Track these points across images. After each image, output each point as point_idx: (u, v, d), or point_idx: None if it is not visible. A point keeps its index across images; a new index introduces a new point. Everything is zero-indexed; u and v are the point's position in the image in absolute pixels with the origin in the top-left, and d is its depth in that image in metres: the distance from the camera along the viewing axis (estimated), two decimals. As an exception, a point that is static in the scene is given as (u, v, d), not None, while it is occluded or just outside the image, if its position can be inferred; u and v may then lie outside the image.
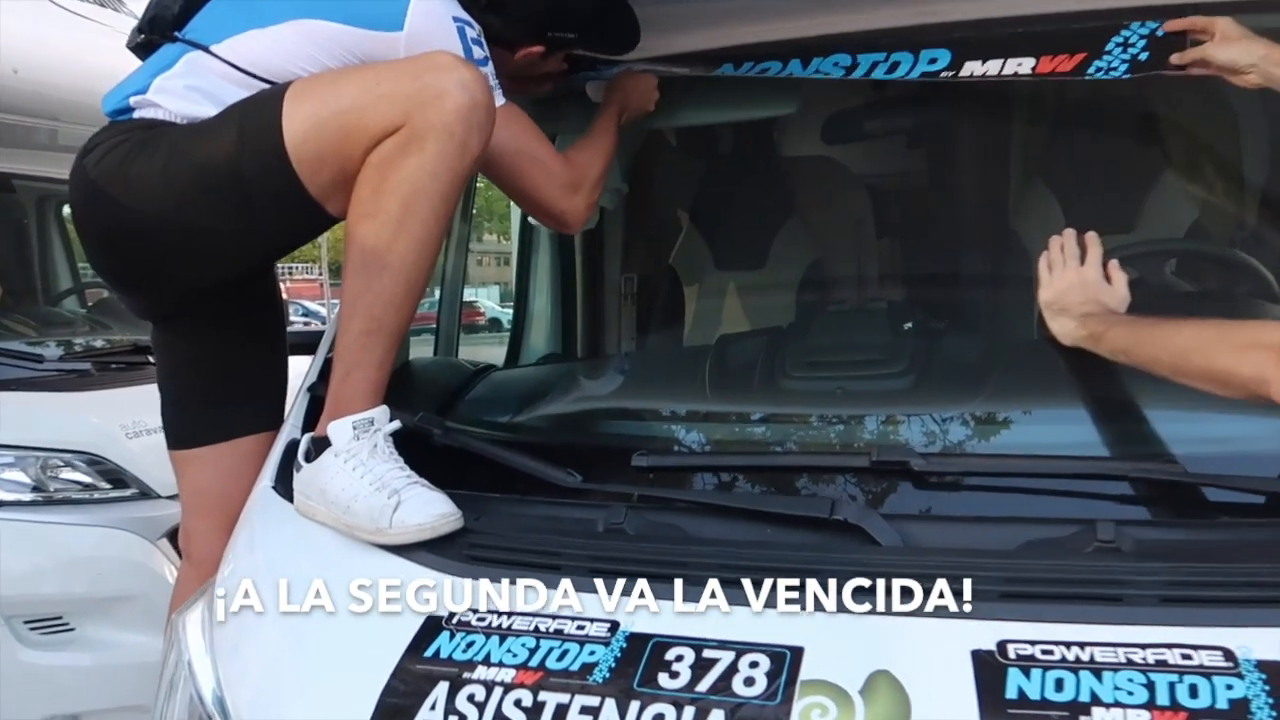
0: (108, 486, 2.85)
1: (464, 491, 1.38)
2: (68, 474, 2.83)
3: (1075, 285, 1.41)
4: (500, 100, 1.40)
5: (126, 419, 2.90)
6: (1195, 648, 0.93)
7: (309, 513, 1.32)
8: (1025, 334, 1.86)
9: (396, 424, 1.32)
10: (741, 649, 1.01)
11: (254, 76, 1.39)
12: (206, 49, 1.42)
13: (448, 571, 1.19)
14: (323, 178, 1.29)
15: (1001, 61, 1.63)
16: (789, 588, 1.07)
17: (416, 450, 1.41)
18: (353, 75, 1.32)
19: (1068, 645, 0.96)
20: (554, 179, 1.55)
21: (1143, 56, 1.54)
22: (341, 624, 1.16)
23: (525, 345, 2.65)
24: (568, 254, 2.74)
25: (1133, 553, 1.07)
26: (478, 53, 1.42)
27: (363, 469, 1.26)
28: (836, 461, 1.30)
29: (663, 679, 0.99)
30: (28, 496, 2.88)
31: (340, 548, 1.28)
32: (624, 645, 1.04)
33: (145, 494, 2.86)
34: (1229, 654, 0.91)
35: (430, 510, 1.23)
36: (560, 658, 1.04)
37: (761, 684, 0.96)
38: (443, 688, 1.03)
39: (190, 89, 1.39)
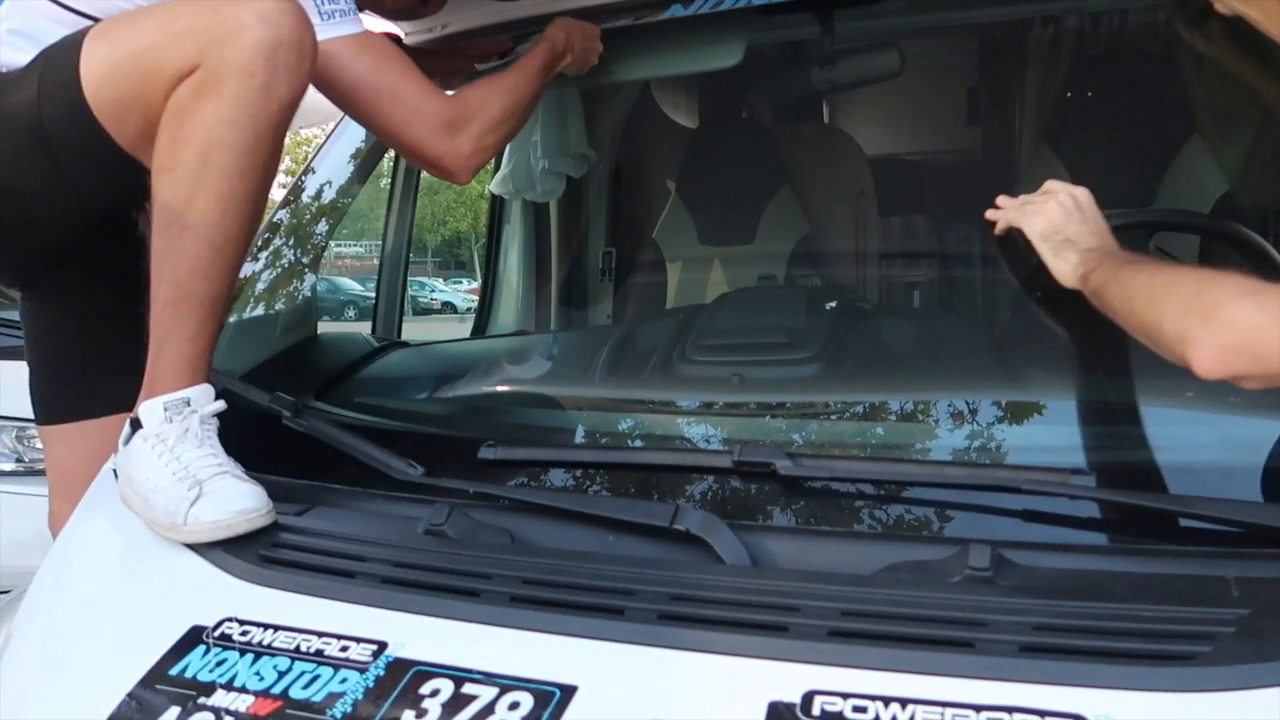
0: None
1: (307, 481, 1.26)
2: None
3: (1073, 211, 1.18)
4: (350, 28, 1.26)
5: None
6: (1044, 714, 0.74)
7: (128, 502, 1.20)
8: (1017, 317, 1.65)
9: (219, 405, 1.19)
10: (507, 685, 0.85)
11: (82, 15, 1.26)
12: None
13: (236, 574, 1.06)
14: (129, 127, 1.16)
15: None
16: (587, 610, 0.91)
17: (277, 431, 1.30)
18: (154, 11, 1.18)
19: (886, 701, 0.77)
20: (423, 118, 1.35)
21: None
22: (108, 628, 1.04)
23: (493, 323, 2.51)
24: (543, 226, 2.59)
25: (1007, 585, 0.88)
26: None
27: (169, 455, 1.13)
28: (694, 460, 1.12)
29: (406, 717, 0.83)
30: (9, 466, 2.89)
31: (149, 542, 1.16)
32: (381, 673, 0.89)
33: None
34: (1081, 723, 0.72)
35: (230, 506, 1.09)
36: (307, 685, 0.89)
37: (515, 729, 0.81)
38: (172, 714, 0.89)
39: (12, 33, 1.26)
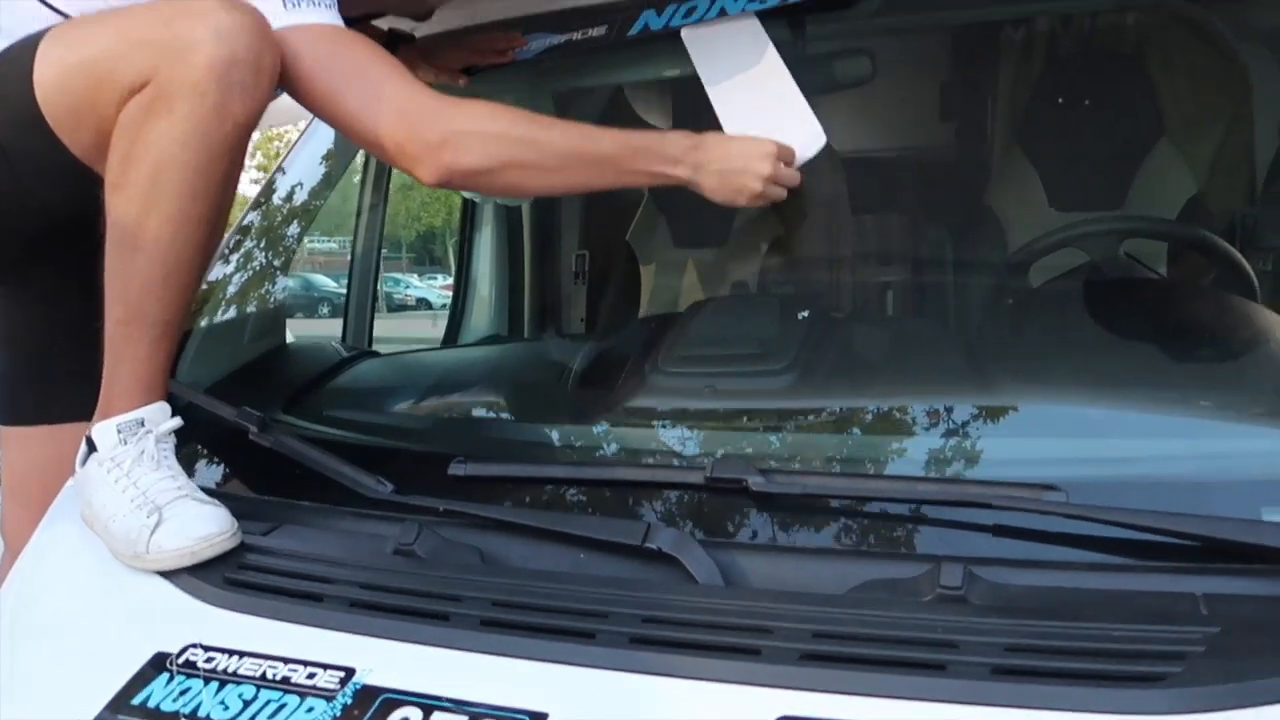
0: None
1: (274, 498, 1.25)
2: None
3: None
4: (314, 17, 1.19)
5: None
6: (1016, 739, 0.74)
7: (89, 523, 1.18)
8: (993, 321, 1.65)
9: (175, 422, 1.17)
10: (477, 713, 0.84)
11: (63, 13, 1.22)
12: None
13: (201, 598, 1.04)
14: (83, 136, 1.13)
15: None
16: (558, 633, 0.90)
17: (244, 447, 1.28)
18: (113, 17, 1.14)
19: (859, 728, 0.77)
20: (385, 101, 1.19)
21: None
22: (69, 654, 1.03)
23: (465, 327, 2.49)
24: (515, 229, 2.57)
25: (979, 604, 0.87)
26: None
27: (125, 480, 1.11)
28: (666, 477, 1.11)
29: (373, 748, 0.82)
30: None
31: (111, 563, 1.13)
32: (349, 701, 0.88)
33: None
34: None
35: (192, 532, 1.07)
36: (273, 714, 0.88)
37: (485, 759, 0.80)
38: (133, 745, 0.87)
39: None
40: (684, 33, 1.54)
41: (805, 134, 1.38)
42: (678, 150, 1.29)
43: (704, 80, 1.50)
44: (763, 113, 1.42)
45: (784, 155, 1.34)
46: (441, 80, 1.71)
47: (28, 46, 1.14)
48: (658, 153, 1.28)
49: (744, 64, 1.46)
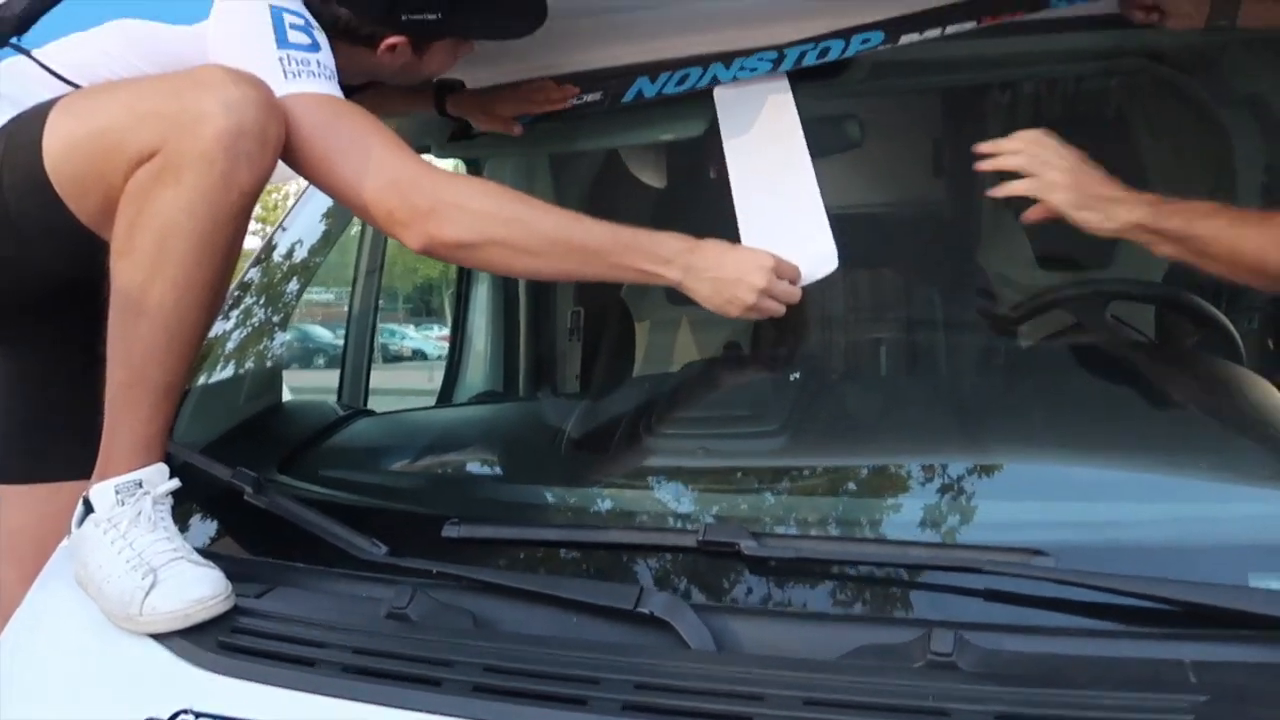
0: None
1: (269, 559, 1.25)
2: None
3: (1072, 166, 1.23)
4: (312, 87, 1.22)
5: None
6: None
7: (83, 585, 1.18)
8: (985, 380, 1.67)
9: (172, 484, 1.18)
10: (468, 781, 0.84)
11: (70, 83, 1.26)
12: (28, 53, 1.31)
13: (194, 662, 1.04)
14: (89, 204, 1.15)
15: (940, 29, 1.47)
16: (550, 700, 0.90)
17: (239, 507, 1.28)
18: (120, 89, 1.18)
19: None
20: (379, 170, 1.22)
21: None
22: (62, 719, 1.02)
23: (461, 382, 2.50)
24: (511, 283, 2.59)
25: (969, 671, 0.88)
26: (297, 38, 1.24)
27: (121, 542, 1.11)
28: (659, 540, 1.11)
29: (364, 818, 0.82)
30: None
31: (104, 626, 1.13)
32: (337, 770, 0.87)
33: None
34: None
35: (187, 594, 1.08)
36: (264, 781, 0.88)
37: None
38: (124, 814, 0.87)
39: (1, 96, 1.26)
40: (716, 93, 1.56)
41: (818, 252, 1.32)
42: (671, 251, 1.27)
43: (726, 151, 1.50)
44: (780, 212, 1.38)
45: (787, 272, 1.28)
46: (494, 128, 1.73)
47: (38, 115, 1.17)
48: (650, 251, 1.27)
49: (772, 155, 1.45)
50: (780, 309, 1.28)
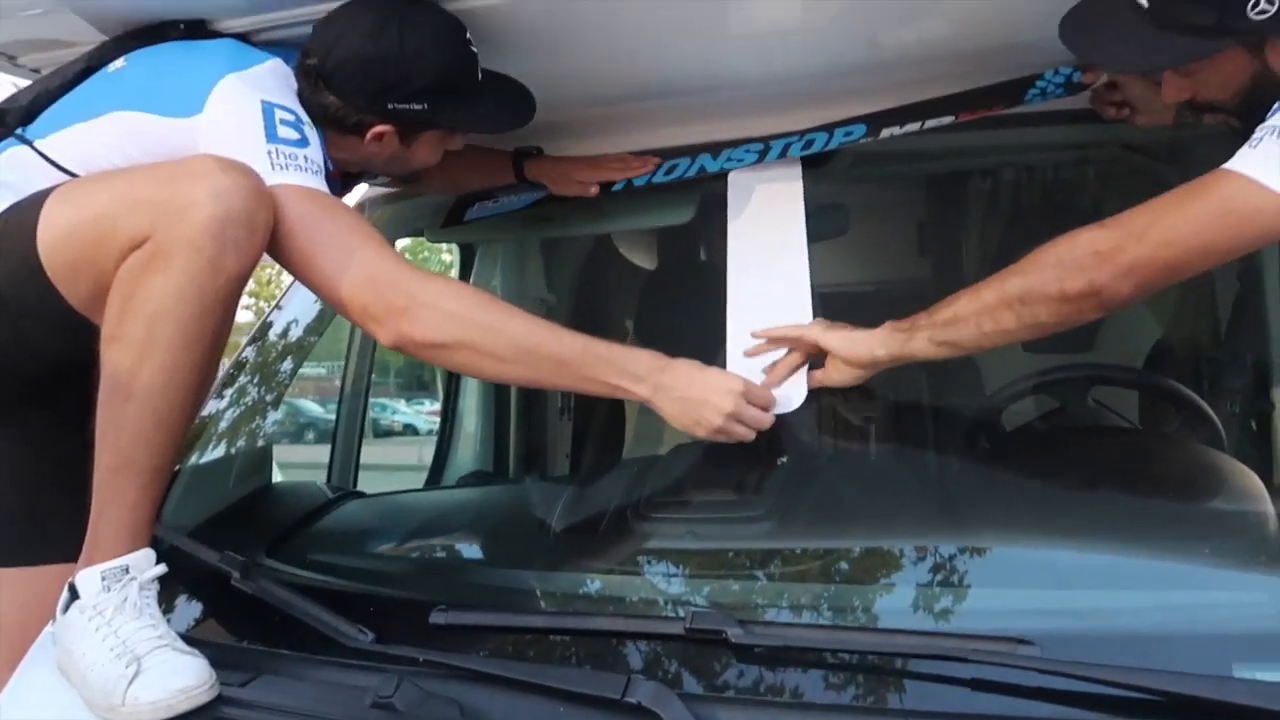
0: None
1: (255, 645, 1.24)
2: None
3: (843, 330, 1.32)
4: (297, 180, 1.24)
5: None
6: None
7: (65, 672, 1.17)
8: (963, 470, 1.67)
9: (159, 569, 1.18)
10: None
11: (69, 173, 1.29)
12: (30, 143, 1.34)
13: (176, 753, 1.03)
14: (81, 289, 1.18)
15: (920, 123, 1.53)
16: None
17: (227, 591, 1.28)
18: (114, 178, 1.21)
19: None
20: (356, 266, 1.23)
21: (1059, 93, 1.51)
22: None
23: (451, 461, 2.50)
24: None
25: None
26: (286, 133, 1.27)
27: (106, 629, 1.11)
28: (646, 627, 1.11)
29: None
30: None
31: (87, 716, 1.12)
32: None
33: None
34: None
35: (170, 684, 1.07)
36: None
37: None
38: None
39: (1, 184, 1.30)
40: (731, 177, 1.60)
41: (793, 390, 1.36)
42: (642, 369, 1.28)
43: (729, 232, 1.54)
44: (770, 300, 1.44)
45: (758, 399, 1.30)
46: (571, 192, 1.75)
47: (34, 203, 1.21)
48: (620, 366, 1.27)
49: (772, 241, 1.50)
50: (749, 434, 1.28)
